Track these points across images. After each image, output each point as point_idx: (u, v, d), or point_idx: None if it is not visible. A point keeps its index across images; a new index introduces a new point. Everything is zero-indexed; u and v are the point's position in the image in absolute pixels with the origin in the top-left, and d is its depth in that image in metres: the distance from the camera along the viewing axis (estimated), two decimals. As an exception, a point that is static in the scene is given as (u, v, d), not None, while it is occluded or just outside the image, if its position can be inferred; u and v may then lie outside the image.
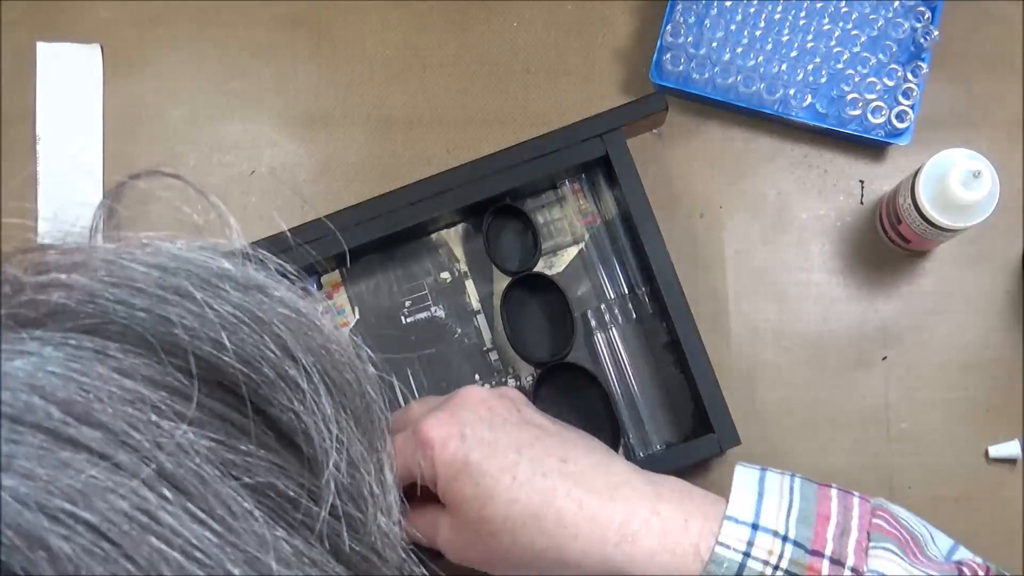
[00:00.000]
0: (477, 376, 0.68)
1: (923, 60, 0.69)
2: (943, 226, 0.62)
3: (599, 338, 0.68)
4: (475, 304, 0.69)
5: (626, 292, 0.68)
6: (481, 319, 0.68)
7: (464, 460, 0.50)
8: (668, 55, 0.69)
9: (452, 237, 0.69)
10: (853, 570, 0.47)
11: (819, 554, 0.48)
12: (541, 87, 0.72)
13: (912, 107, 0.68)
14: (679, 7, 0.70)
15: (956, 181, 0.60)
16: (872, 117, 0.68)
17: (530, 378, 0.68)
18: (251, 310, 0.31)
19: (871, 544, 0.48)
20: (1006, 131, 0.71)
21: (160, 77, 0.73)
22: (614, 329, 0.68)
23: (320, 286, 0.68)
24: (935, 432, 0.69)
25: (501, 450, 0.51)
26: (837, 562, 0.47)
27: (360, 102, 0.72)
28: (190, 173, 0.75)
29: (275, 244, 0.63)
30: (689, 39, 0.69)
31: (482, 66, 0.73)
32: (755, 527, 0.49)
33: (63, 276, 0.31)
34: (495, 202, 0.67)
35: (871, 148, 0.71)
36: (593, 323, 0.68)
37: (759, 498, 0.50)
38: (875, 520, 0.49)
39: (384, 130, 0.72)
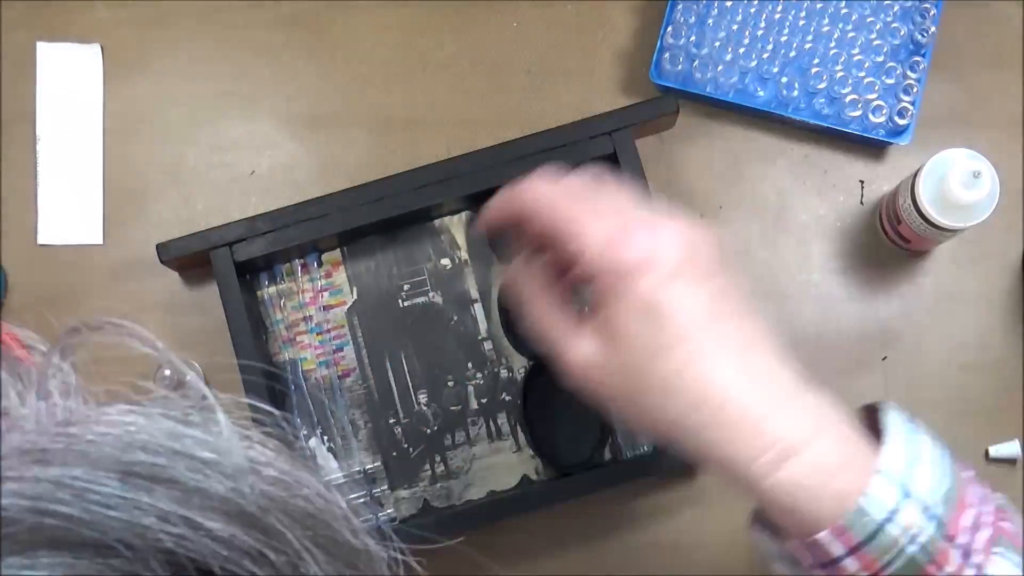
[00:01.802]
0: (470, 364, 0.68)
1: (923, 56, 0.69)
2: (943, 226, 0.62)
3: (594, 335, 0.68)
4: (473, 293, 0.69)
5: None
6: (478, 308, 0.69)
7: (654, 303, 0.46)
8: (668, 55, 0.69)
9: (455, 224, 0.69)
10: (977, 567, 0.45)
11: (952, 540, 0.45)
12: (541, 87, 0.72)
13: (913, 103, 0.68)
14: (679, 7, 0.70)
15: (956, 181, 0.60)
16: (873, 116, 0.68)
17: (523, 370, 0.68)
18: (243, 509, 0.27)
19: (996, 548, 0.46)
20: (1006, 131, 0.71)
21: (160, 77, 0.73)
22: (611, 327, 0.68)
23: (320, 263, 0.69)
24: (935, 432, 0.68)
25: (693, 313, 0.46)
26: (966, 554, 0.45)
27: (360, 102, 0.72)
28: (190, 173, 0.75)
29: (276, 220, 0.64)
30: (691, 39, 0.69)
31: (482, 66, 0.73)
32: (907, 493, 0.45)
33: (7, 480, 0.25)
34: None
35: (871, 148, 0.71)
36: (590, 320, 0.68)
37: (913, 459, 0.46)
38: (1003, 522, 0.47)
39: (384, 130, 0.72)
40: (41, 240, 0.71)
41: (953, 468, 0.47)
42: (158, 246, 0.65)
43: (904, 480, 0.46)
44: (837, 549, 0.45)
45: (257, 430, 0.30)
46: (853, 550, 0.45)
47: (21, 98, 0.72)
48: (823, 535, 0.45)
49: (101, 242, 0.71)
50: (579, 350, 0.48)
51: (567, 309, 0.49)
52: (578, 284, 0.49)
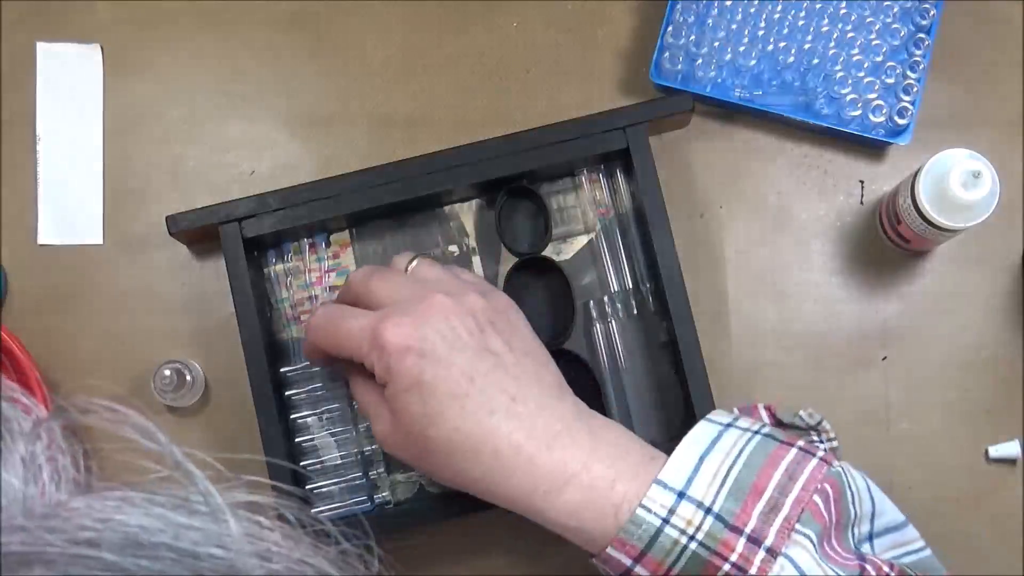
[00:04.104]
0: None
1: (923, 56, 0.69)
2: (943, 226, 0.62)
3: (598, 329, 0.68)
4: None
5: (630, 287, 0.68)
6: (483, 295, 0.69)
7: (418, 377, 0.51)
8: (668, 55, 0.69)
9: (465, 211, 0.69)
10: (769, 551, 0.47)
11: (738, 531, 0.47)
12: (541, 87, 0.72)
13: (912, 103, 0.68)
14: (679, 7, 0.70)
15: (956, 181, 0.60)
16: (872, 116, 0.68)
17: None
18: None
19: (798, 526, 0.48)
20: (1006, 131, 0.71)
21: (160, 77, 0.73)
22: (614, 322, 0.68)
23: (329, 244, 0.69)
24: (935, 432, 0.69)
25: (455, 376, 0.51)
26: (755, 541, 0.47)
27: (360, 102, 0.72)
28: (190, 173, 0.75)
29: (286, 198, 0.64)
30: (691, 39, 0.69)
31: (482, 66, 0.73)
32: (681, 495, 0.49)
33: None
34: (511, 182, 0.67)
35: (871, 148, 0.71)
36: (594, 314, 0.68)
37: (698, 463, 0.50)
38: (816, 497, 0.49)
39: (384, 130, 0.72)
40: (41, 240, 0.71)
41: (757, 457, 0.50)
42: (167, 218, 0.65)
43: (683, 484, 0.49)
44: (625, 560, 0.49)
45: (269, 515, 0.29)
46: (638, 558, 0.49)
47: (21, 98, 0.72)
48: (610, 550, 0.49)
49: (101, 242, 0.71)
50: (379, 424, 0.54)
51: (374, 390, 0.55)
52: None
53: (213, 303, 0.70)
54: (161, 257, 0.71)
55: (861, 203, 0.71)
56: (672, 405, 0.67)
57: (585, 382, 0.67)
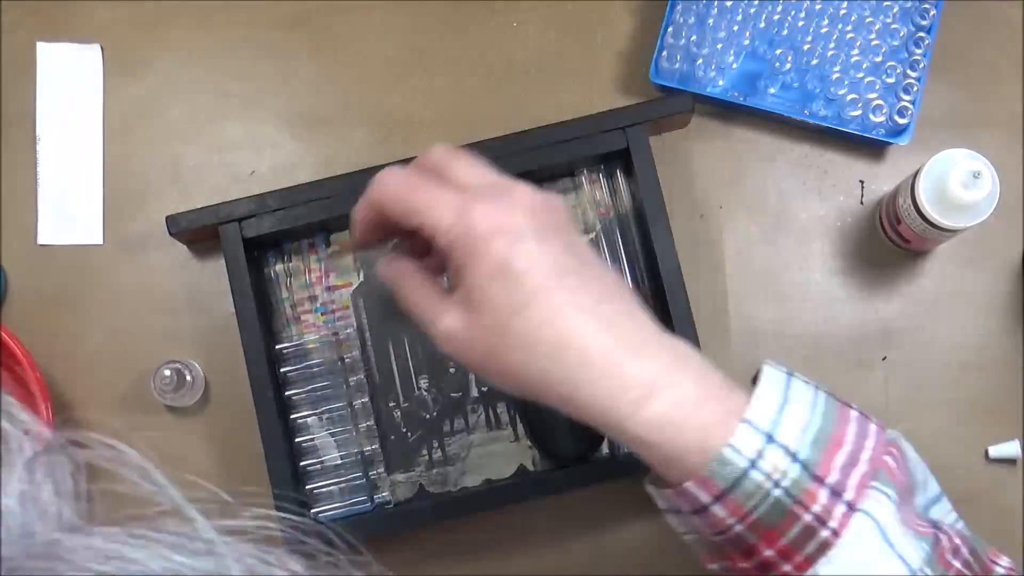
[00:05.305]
0: None
1: (923, 55, 0.69)
2: (943, 226, 0.62)
3: (597, 330, 0.68)
4: None
5: (630, 287, 0.68)
6: (483, 294, 0.68)
7: (507, 263, 0.47)
8: (668, 55, 0.69)
9: None
10: (849, 505, 0.46)
11: (821, 481, 0.46)
12: (541, 87, 0.72)
13: (913, 102, 0.68)
14: (679, 7, 0.70)
15: (956, 181, 0.60)
16: (872, 116, 0.68)
17: None
18: None
19: (875, 483, 0.46)
20: (1006, 131, 0.71)
21: (160, 77, 0.73)
22: (614, 324, 0.68)
23: (328, 243, 0.69)
24: (935, 432, 0.69)
25: (544, 269, 0.48)
26: (836, 493, 0.46)
27: (360, 102, 0.72)
28: (190, 173, 0.75)
29: (286, 198, 0.64)
30: (691, 39, 0.69)
31: (482, 66, 0.73)
32: (770, 439, 0.46)
33: None
34: None
35: (871, 148, 0.71)
36: (594, 315, 0.68)
37: (782, 406, 0.47)
38: (885, 457, 0.47)
39: (384, 130, 0.72)
40: (41, 240, 0.71)
41: (830, 411, 0.48)
42: (167, 218, 0.65)
43: (770, 426, 0.47)
44: (704, 497, 0.47)
45: (281, 549, 0.28)
46: (719, 497, 0.47)
47: (21, 98, 0.72)
48: (690, 485, 0.47)
49: (101, 242, 0.71)
50: (444, 321, 0.49)
51: (434, 286, 0.51)
52: (441, 260, 0.51)
53: (213, 303, 0.70)
54: (161, 257, 0.71)
55: (861, 203, 0.71)
56: (672, 405, 0.67)
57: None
